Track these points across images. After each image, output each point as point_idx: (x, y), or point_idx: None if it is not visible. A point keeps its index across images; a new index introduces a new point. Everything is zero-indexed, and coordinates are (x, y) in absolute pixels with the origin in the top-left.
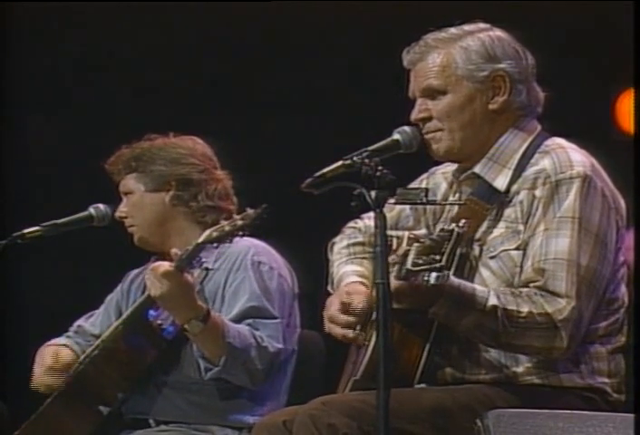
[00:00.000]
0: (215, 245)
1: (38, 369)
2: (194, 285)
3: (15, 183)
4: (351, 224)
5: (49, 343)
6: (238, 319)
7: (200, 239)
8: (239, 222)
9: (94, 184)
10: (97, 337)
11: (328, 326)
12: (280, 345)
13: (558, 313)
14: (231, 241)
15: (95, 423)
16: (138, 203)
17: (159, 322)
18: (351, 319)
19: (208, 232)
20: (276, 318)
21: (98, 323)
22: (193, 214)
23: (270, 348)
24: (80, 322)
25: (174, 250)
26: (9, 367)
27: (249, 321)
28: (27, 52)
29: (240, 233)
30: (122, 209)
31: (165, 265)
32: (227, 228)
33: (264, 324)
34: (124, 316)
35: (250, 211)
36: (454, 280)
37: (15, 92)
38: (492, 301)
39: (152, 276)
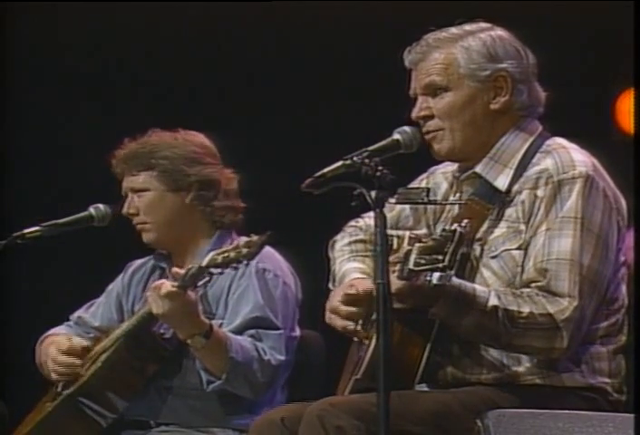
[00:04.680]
0: (219, 270)
1: (54, 351)
2: (197, 302)
3: (15, 183)
4: (352, 222)
5: (50, 332)
6: (241, 329)
7: (204, 263)
8: (244, 250)
9: (94, 184)
10: (97, 329)
11: (329, 317)
12: (282, 357)
13: (560, 313)
14: (236, 268)
15: (96, 431)
16: (156, 202)
17: (161, 331)
18: (353, 310)
19: (212, 255)
20: (279, 329)
21: (99, 315)
22: (212, 213)
23: (272, 361)
24: (80, 313)
25: (175, 269)
26: (9, 367)
27: (252, 331)
28: (28, 51)
29: (245, 261)
30: (135, 206)
31: (167, 286)
32: (232, 255)
33: (267, 335)
34: (125, 327)
35: (255, 238)
36: (455, 280)
37: (16, 92)
38: (493, 301)
39: (155, 295)
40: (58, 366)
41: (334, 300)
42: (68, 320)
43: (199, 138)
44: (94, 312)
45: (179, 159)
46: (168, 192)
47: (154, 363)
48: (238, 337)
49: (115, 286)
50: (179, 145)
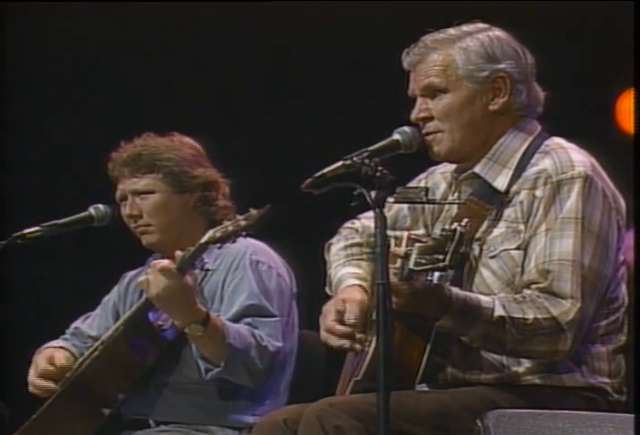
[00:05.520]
0: (218, 245)
1: (32, 372)
2: (195, 288)
3: (15, 183)
4: (347, 224)
5: (46, 345)
6: (237, 317)
7: (203, 240)
8: (243, 222)
9: (94, 184)
10: (94, 339)
11: (325, 336)
12: (279, 344)
13: (564, 315)
14: (234, 241)
15: (95, 424)
16: (162, 204)
17: (159, 323)
18: (347, 330)
19: (211, 232)
20: (275, 316)
21: (95, 325)
22: (215, 213)
23: (270, 347)
24: (77, 324)
25: (178, 252)
26: (9, 367)
27: (248, 319)
28: (28, 51)
29: (244, 233)
30: (139, 208)
31: (165, 262)
32: (230, 228)
33: (263, 323)
34: (124, 318)
35: (254, 211)
36: (459, 293)
37: (16, 92)
38: (499, 311)
39: (152, 274)
40: (34, 389)
41: (329, 319)
42: (64, 333)
43: (191, 141)
44: (90, 322)
45: (182, 161)
46: (174, 194)
47: (153, 355)
48: (235, 325)
49: (111, 297)
50: (179, 147)
